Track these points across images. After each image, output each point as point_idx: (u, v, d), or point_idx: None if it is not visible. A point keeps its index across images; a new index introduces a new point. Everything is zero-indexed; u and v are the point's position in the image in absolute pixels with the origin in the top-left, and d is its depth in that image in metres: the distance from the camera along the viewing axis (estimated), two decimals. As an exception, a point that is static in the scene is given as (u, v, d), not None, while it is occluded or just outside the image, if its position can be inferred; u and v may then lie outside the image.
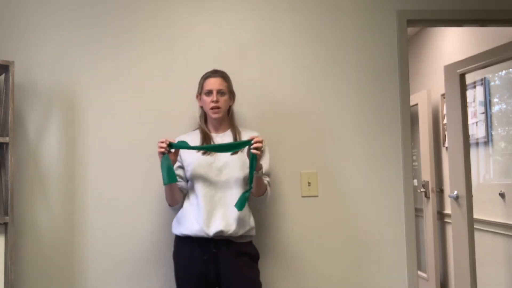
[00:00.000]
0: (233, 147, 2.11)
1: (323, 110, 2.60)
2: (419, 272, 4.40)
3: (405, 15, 2.66)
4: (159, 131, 2.38)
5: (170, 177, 2.03)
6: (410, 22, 2.69)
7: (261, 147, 2.02)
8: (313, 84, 2.60)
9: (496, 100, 3.71)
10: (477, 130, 3.88)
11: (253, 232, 2.22)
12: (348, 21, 2.64)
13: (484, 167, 3.85)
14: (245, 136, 2.20)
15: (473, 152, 3.79)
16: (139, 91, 2.50)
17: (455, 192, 3.50)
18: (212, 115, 2.21)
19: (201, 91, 2.25)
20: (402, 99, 2.63)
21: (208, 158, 2.16)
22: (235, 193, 2.13)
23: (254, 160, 2.02)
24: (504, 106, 3.64)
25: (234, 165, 2.15)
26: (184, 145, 2.08)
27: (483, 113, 3.80)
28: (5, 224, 2.16)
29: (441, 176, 4.56)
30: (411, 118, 2.69)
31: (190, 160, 2.18)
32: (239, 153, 2.16)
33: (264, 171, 2.19)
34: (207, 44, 2.55)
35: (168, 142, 2.05)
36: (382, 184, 2.60)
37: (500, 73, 3.65)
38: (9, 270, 2.12)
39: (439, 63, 4.36)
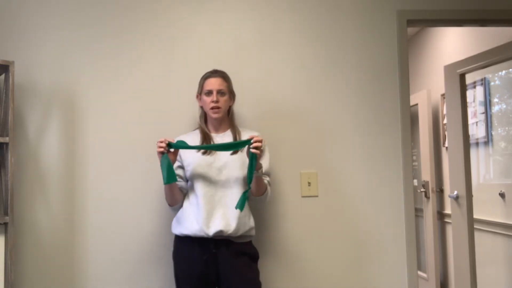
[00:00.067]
0: (233, 147, 2.11)
1: (323, 110, 2.60)
2: (419, 272, 4.40)
3: (405, 15, 2.66)
4: (159, 131, 2.38)
5: (170, 176, 2.03)
6: (410, 22, 2.69)
7: (261, 146, 2.02)
8: (313, 84, 2.60)
9: (496, 100, 3.71)
10: (477, 130, 3.88)
11: (253, 232, 2.22)
12: (348, 21, 2.64)
13: (484, 167, 3.85)
14: (245, 136, 2.20)
15: (473, 152, 3.79)
16: (139, 91, 2.50)
17: (455, 192, 3.50)
18: (212, 115, 2.21)
19: (201, 91, 2.25)
20: (402, 99, 2.63)
21: (208, 158, 2.16)
22: (235, 193, 2.13)
23: (254, 160, 2.02)
24: (504, 106, 3.64)
25: (234, 165, 2.15)
26: (183, 145, 2.08)
27: (483, 113, 3.80)
28: (5, 224, 2.16)
29: (441, 176, 4.56)
30: (411, 118, 2.69)
31: (190, 160, 2.18)
32: (239, 153, 2.16)
33: (264, 170, 2.19)
34: (207, 44, 2.55)
35: (167, 142, 2.05)
36: (382, 184, 2.60)
37: (500, 73, 3.65)
38: (9, 270, 2.12)
39: (439, 63, 4.36)
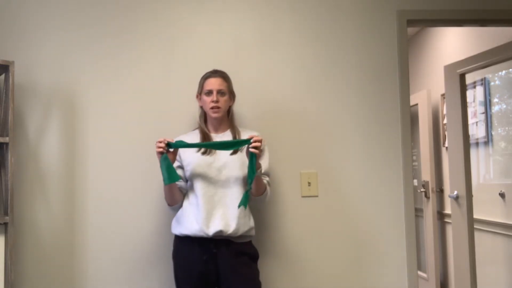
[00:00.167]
0: (232, 145, 2.11)
1: (323, 110, 2.60)
2: (419, 272, 4.40)
3: (405, 15, 2.66)
4: (159, 131, 2.38)
5: (171, 176, 2.03)
6: (410, 22, 2.69)
7: (260, 146, 2.02)
8: (313, 84, 2.60)
9: (496, 100, 3.71)
10: (477, 130, 3.88)
11: (253, 232, 2.22)
12: (348, 21, 2.64)
13: (484, 167, 3.85)
14: (244, 136, 2.20)
15: (473, 152, 3.79)
16: (139, 91, 2.50)
17: (455, 192, 3.50)
18: (212, 114, 2.20)
19: (201, 91, 2.25)
20: (402, 99, 2.63)
21: (208, 158, 2.16)
22: (235, 193, 2.13)
23: (254, 160, 2.02)
24: (504, 106, 3.64)
25: (234, 165, 2.15)
26: (183, 144, 2.08)
27: (483, 113, 3.80)
28: (5, 224, 2.16)
29: (441, 176, 4.56)
30: (411, 118, 2.69)
31: (190, 160, 2.18)
32: (239, 153, 2.16)
33: (263, 170, 2.19)
34: (207, 44, 2.55)
35: (166, 142, 2.04)
36: (382, 184, 2.60)
37: (500, 73, 3.65)
38: (9, 270, 2.12)
39: (439, 63, 4.36)
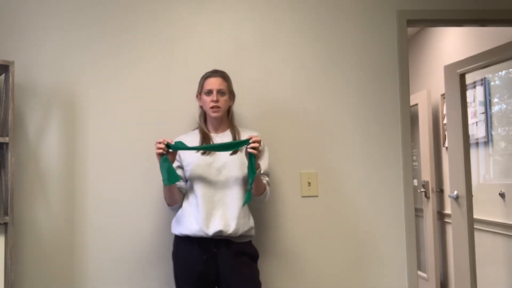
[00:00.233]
0: (231, 147, 2.11)
1: (323, 110, 2.60)
2: (419, 272, 4.40)
3: (405, 15, 2.66)
4: (159, 131, 2.38)
5: (170, 177, 2.02)
6: (410, 22, 2.69)
7: (258, 146, 2.02)
8: (313, 84, 2.60)
9: (496, 100, 3.71)
10: (477, 130, 3.88)
11: (253, 232, 2.22)
12: (348, 21, 2.64)
13: (484, 167, 3.85)
14: (244, 136, 2.20)
15: (473, 152, 3.79)
16: (139, 91, 2.50)
17: (455, 192, 3.50)
18: (212, 114, 2.20)
19: (201, 91, 2.25)
20: (402, 99, 2.63)
21: (207, 158, 2.16)
22: (235, 193, 2.13)
23: (253, 160, 2.02)
24: (504, 106, 3.64)
25: (234, 165, 2.15)
26: (182, 146, 2.07)
27: (483, 113, 3.80)
28: (5, 224, 2.16)
29: (441, 176, 4.56)
30: (411, 118, 2.69)
31: (190, 160, 2.18)
32: (238, 153, 2.16)
33: (263, 170, 2.20)
34: (207, 44, 2.55)
35: (166, 143, 2.04)
36: (382, 184, 2.60)
37: (500, 73, 3.65)
38: (9, 270, 2.12)
39: (439, 63, 4.36)
